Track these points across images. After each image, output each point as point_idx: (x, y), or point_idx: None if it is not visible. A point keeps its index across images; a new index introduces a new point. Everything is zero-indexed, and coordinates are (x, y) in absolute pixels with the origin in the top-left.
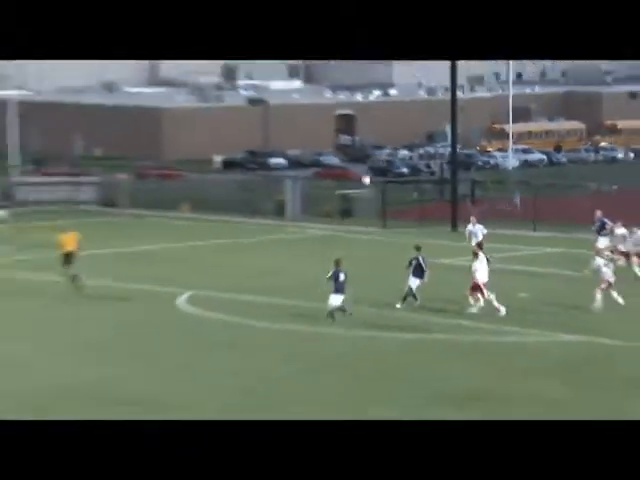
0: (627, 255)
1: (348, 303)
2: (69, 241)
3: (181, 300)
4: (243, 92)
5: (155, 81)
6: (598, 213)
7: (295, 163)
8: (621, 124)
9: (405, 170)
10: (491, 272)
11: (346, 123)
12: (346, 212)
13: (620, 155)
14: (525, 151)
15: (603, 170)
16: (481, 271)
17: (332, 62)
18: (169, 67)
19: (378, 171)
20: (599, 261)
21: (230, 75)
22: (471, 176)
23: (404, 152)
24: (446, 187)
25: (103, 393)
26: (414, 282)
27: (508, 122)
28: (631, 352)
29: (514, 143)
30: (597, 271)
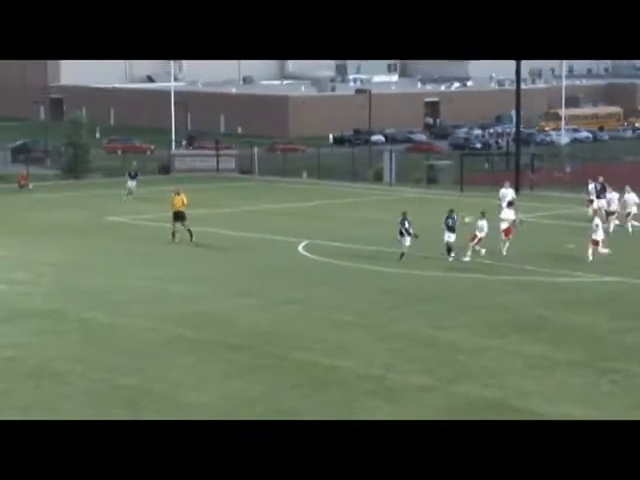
0: (612, 213)
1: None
2: (178, 202)
3: (299, 247)
4: (352, 84)
5: (283, 75)
6: (600, 178)
7: (391, 139)
8: None
9: (479, 145)
10: (543, 226)
11: (432, 108)
12: (432, 179)
13: None
14: (575, 130)
15: (637, 145)
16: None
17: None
18: (294, 64)
19: (457, 146)
20: (596, 220)
21: (342, 70)
22: (531, 150)
23: (478, 131)
24: (511, 159)
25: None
26: (450, 237)
27: (561, 107)
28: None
29: (566, 124)
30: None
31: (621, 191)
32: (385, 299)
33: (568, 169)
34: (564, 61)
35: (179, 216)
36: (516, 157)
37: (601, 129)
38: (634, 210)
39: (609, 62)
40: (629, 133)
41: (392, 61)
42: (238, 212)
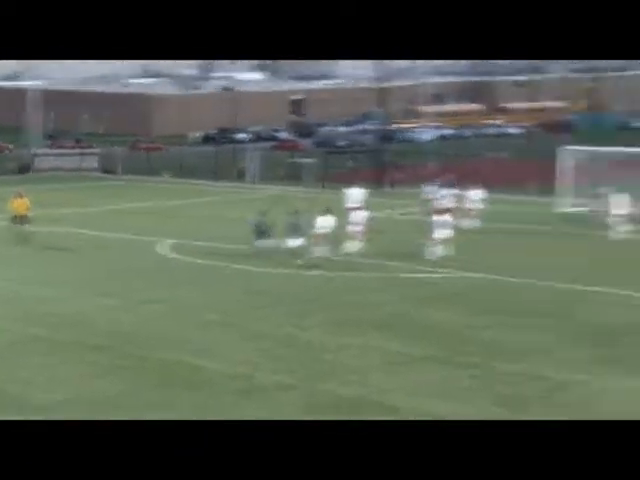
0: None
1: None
2: (21, 206)
3: (161, 246)
4: (217, 82)
5: (146, 73)
6: (449, 176)
7: (257, 138)
8: (511, 105)
9: (343, 143)
10: (402, 223)
11: (297, 106)
12: (295, 177)
13: (510, 130)
14: (438, 127)
15: (497, 142)
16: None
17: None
18: (157, 61)
19: (321, 144)
20: (435, 218)
21: (207, 68)
22: (395, 147)
23: (343, 129)
24: (375, 156)
25: (84, 321)
26: (294, 242)
27: (425, 104)
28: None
29: (430, 121)
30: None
31: (465, 188)
32: (251, 298)
33: (431, 166)
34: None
35: (22, 220)
36: (380, 154)
37: (464, 126)
38: (475, 206)
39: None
40: (491, 130)
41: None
42: (99, 212)
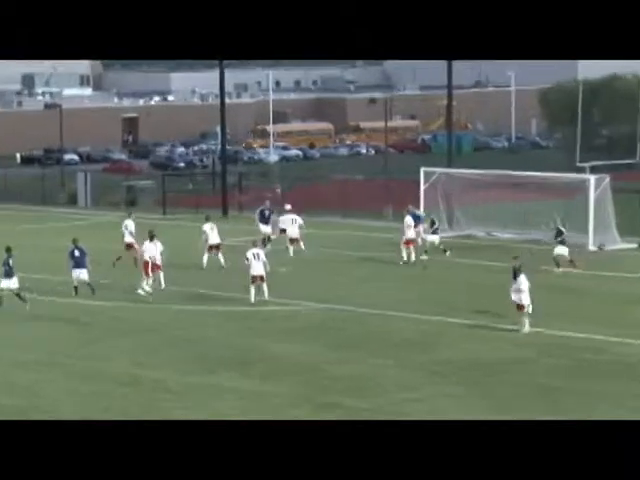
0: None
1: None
2: None
3: None
4: (40, 98)
5: None
6: (267, 202)
7: (87, 159)
8: (363, 124)
9: (182, 164)
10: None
11: (131, 124)
12: (131, 201)
13: (363, 150)
14: (284, 148)
15: (348, 163)
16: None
17: (116, 71)
18: None
19: (158, 165)
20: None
21: (29, 83)
22: (238, 169)
23: (181, 149)
24: (217, 178)
25: None
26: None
27: (269, 123)
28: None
29: (274, 141)
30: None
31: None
32: (80, 334)
33: (278, 189)
34: (270, 72)
35: None
36: (222, 176)
37: (312, 146)
38: (291, 233)
39: (318, 75)
40: (342, 150)
41: (85, 73)
42: None
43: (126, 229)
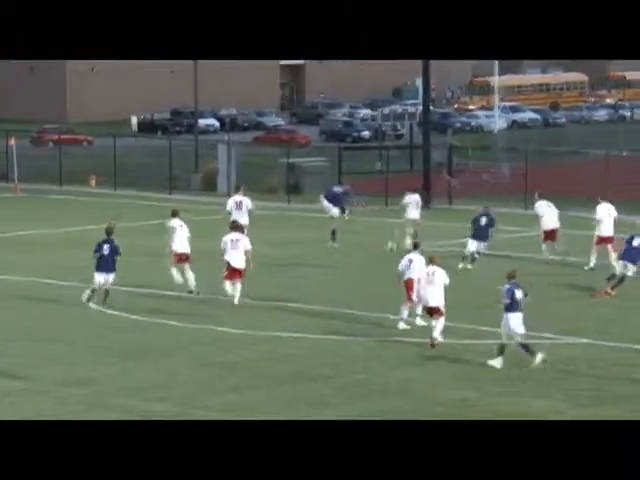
0: None
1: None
2: None
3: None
4: None
5: None
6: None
7: (230, 125)
8: (630, 75)
9: (366, 133)
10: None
11: (293, 75)
12: (294, 187)
13: (628, 113)
14: (514, 109)
15: (609, 131)
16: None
17: None
18: None
19: (332, 135)
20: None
21: None
22: (448, 141)
23: (365, 111)
24: (417, 154)
25: None
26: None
27: (492, 74)
28: None
29: (501, 100)
30: None
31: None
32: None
33: (505, 170)
34: None
35: None
36: (424, 152)
37: (555, 107)
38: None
39: None
40: (600, 113)
41: None
42: None
43: None
